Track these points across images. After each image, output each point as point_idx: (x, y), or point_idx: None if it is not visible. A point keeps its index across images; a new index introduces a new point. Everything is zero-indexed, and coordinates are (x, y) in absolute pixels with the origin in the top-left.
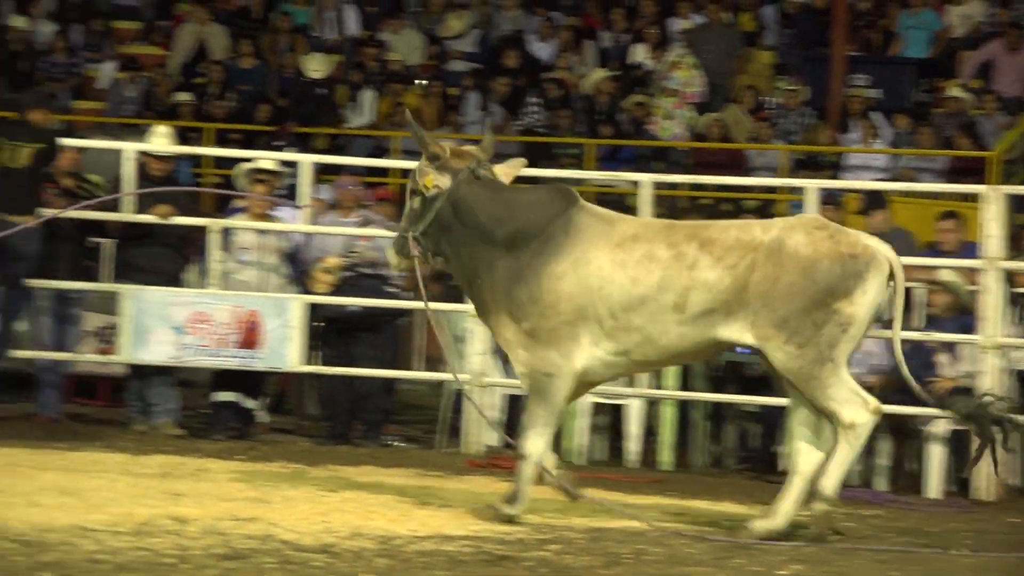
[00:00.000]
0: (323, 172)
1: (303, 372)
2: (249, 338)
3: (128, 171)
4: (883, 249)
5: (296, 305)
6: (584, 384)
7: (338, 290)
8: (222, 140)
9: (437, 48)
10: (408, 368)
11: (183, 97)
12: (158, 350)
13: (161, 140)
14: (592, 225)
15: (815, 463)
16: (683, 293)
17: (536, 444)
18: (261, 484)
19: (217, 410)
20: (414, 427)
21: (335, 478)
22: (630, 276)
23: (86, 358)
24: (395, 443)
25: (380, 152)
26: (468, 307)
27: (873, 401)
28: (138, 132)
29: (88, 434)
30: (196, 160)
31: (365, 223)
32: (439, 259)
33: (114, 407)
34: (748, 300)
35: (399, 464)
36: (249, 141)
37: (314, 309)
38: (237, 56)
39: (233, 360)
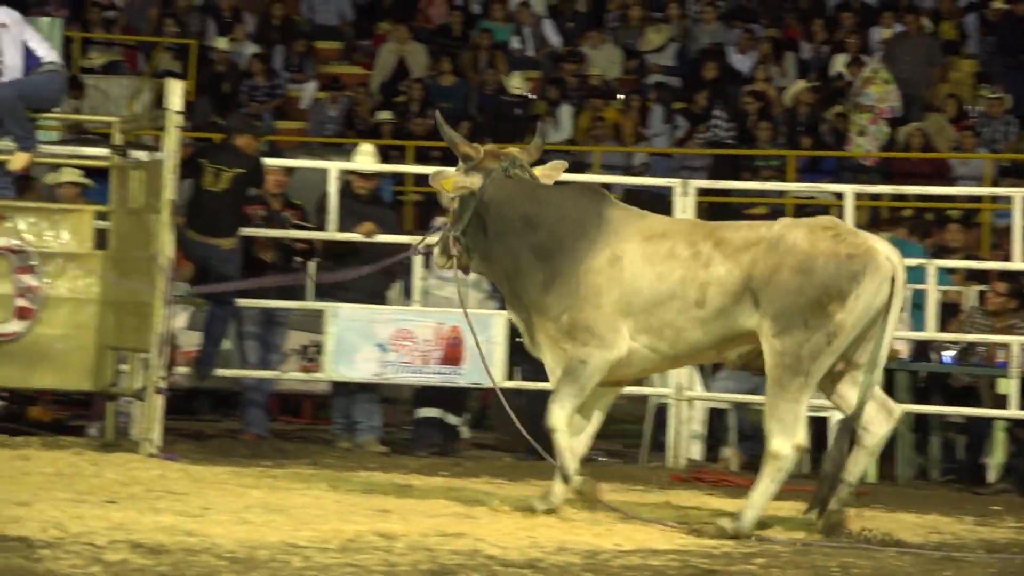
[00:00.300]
0: None
1: (505, 388)
2: (451, 354)
3: (333, 190)
4: (886, 252)
5: (498, 321)
6: (616, 381)
7: None
8: (423, 158)
9: (636, 62)
10: None
11: (384, 116)
12: (362, 367)
13: (366, 158)
14: (624, 220)
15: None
16: (701, 289)
17: (559, 414)
18: (466, 500)
19: (420, 427)
20: (617, 441)
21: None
22: (657, 272)
23: (291, 376)
24: (598, 458)
25: (580, 167)
26: None
27: (801, 436)
28: (341, 151)
29: (293, 452)
30: (398, 178)
31: None
32: (476, 259)
33: (318, 425)
34: (753, 290)
35: (602, 479)
36: (450, 158)
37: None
38: (437, 74)
39: (436, 377)
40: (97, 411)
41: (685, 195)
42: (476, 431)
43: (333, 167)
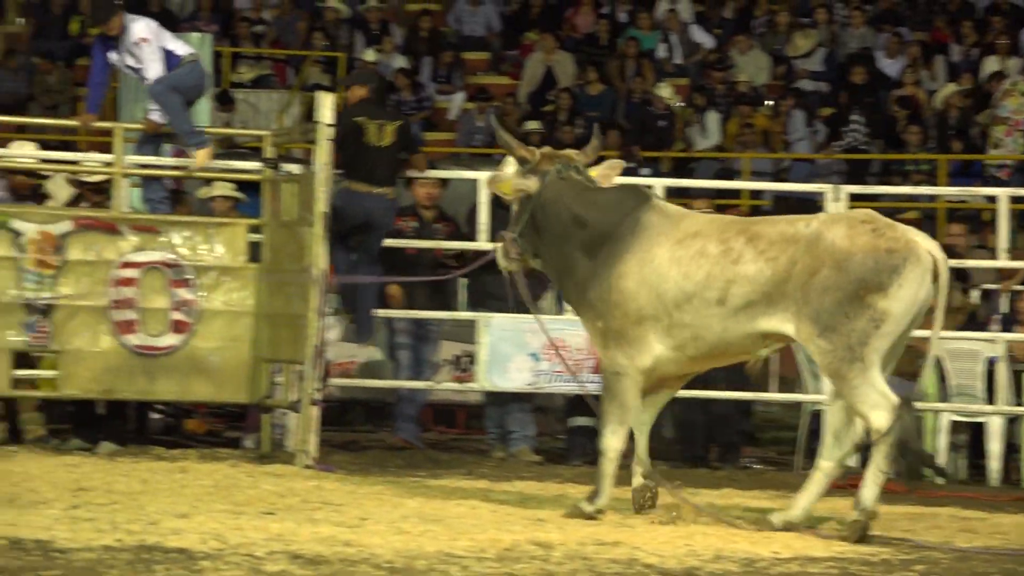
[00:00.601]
0: (672, 195)
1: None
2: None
3: (483, 200)
4: (928, 245)
5: None
6: (660, 383)
7: None
8: None
9: (784, 68)
10: (764, 390)
11: (532, 126)
12: (515, 377)
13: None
14: (657, 223)
15: (837, 459)
16: (725, 287)
17: (612, 442)
18: (622, 508)
19: (574, 435)
20: (771, 448)
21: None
22: (682, 272)
23: (444, 387)
24: (752, 465)
25: (728, 174)
26: None
27: (892, 399)
28: (490, 161)
29: (448, 462)
30: None
31: None
32: (537, 261)
33: (472, 435)
34: (788, 292)
35: (757, 486)
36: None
37: None
38: (584, 83)
39: (589, 385)
40: (253, 423)
41: (837, 200)
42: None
43: (482, 177)
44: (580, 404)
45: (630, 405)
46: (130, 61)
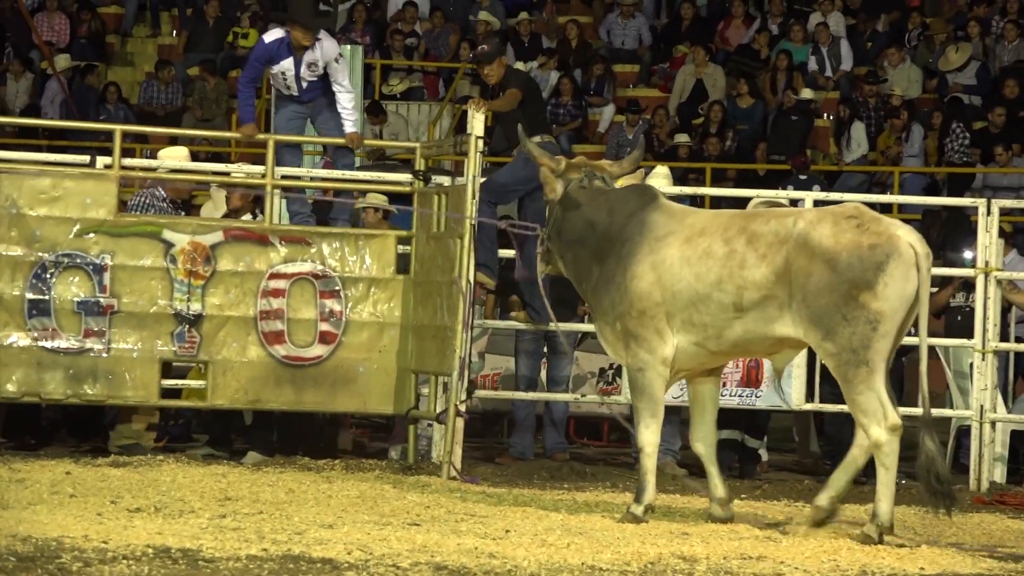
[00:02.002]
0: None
1: (805, 410)
2: (751, 377)
3: None
4: (910, 239)
5: None
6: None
7: None
8: (720, 179)
9: (936, 81)
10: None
11: (681, 138)
12: None
13: (661, 180)
14: (663, 223)
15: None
16: (738, 292)
17: (647, 437)
18: (767, 522)
19: (719, 449)
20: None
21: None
22: (694, 273)
23: (589, 399)
24: (900, 480)
25: (878, 187)
26: (972, 342)
27: (892, 416)
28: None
29: (593, 474)
30: (695, 200)
31: None
32: (561, 263)
33: (618, 447)
34: (792, 294)
35: (905, 501)
36: (746, 179)
37: None
38: (735, 95)
39: (734, 399)
40: (399, 434)
41: (988, 215)
42: (776, 453)
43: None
44: (725, 417)
45: (659, 398)
46: (316, 69)
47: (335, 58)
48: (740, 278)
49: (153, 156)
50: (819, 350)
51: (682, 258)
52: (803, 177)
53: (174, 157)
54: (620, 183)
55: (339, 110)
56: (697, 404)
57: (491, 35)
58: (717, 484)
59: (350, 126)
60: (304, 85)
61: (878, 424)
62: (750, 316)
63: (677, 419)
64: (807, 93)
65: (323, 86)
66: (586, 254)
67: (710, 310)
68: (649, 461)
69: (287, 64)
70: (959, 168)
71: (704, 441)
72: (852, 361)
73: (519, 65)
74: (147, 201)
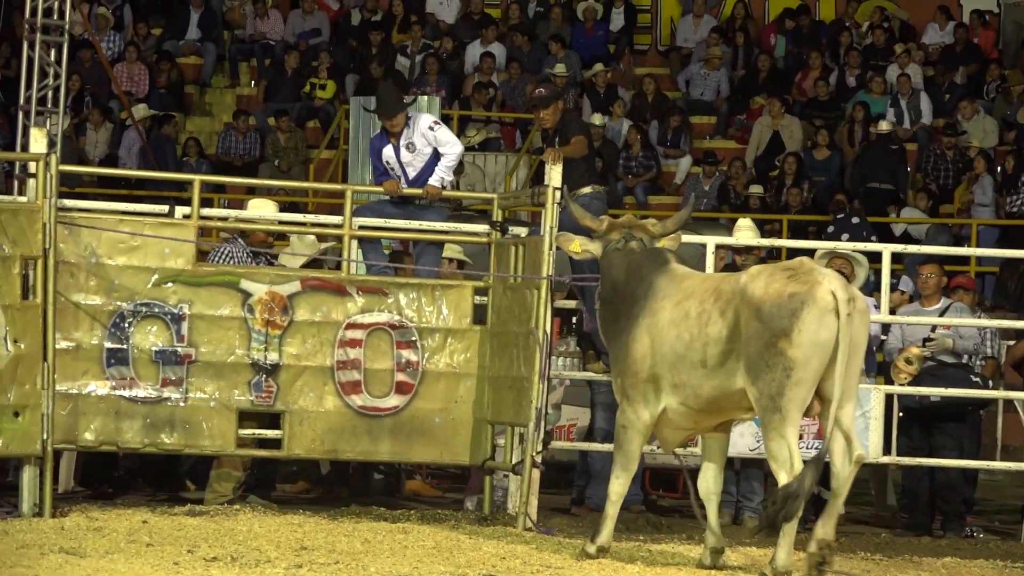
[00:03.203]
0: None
1: (883, 463)
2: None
3: (711, 264)
4: (831, 286)
5: (876, 395)
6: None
7: (919, 379)
8: (797, 231)
9: (1014, 133)
10: (989, 458)
11: (755, 190)
12: (738, 442)
13: (747, 233)
14: (664, 287)
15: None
16: (703, 349)
17: (615, 487)
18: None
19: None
20: (995, 518)
21: (915, 570)
22: (675, 334)
23: (663, 451)
24: (978, 534)
25: (957, 240)
26: None
27: (799, 465)
28: (716, 225)
29: (669, 526)
30: (773, 252)
31: (944, 311)
32: None
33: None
34: (740, 347)
35: (981, 556)
36: (823, 232)
37: (892, 399)
38: (811, 147)
39: (810, 452)
40: (475, 485)
41: None
42: (850, 506)
43: (711, 241)
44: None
45: (634, 455)
46: (414, 148)
47: (430, 126)
48: (705, 334)
49: (231, 206)
50: (749, 392)
51: (669, 321)
52: (840, 216)
53: (261, 208)
54: (663, 243)
55: (437, 165)
56: (706, 453)
57: (547, 80)
58: (713, 533)
59: (434, 179)
60: (409, 172)
61: (786, 473)
62: (716, 373)
63: (760, 472)
64: (884, 126)
65: (430, 172)
66: (610, 313)
67: (685, 368)
68: (612, 508)
69: (389, 151)
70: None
71: (710, 488)
72: (769, 407)
73: (595, 118)
74: (230, 251)
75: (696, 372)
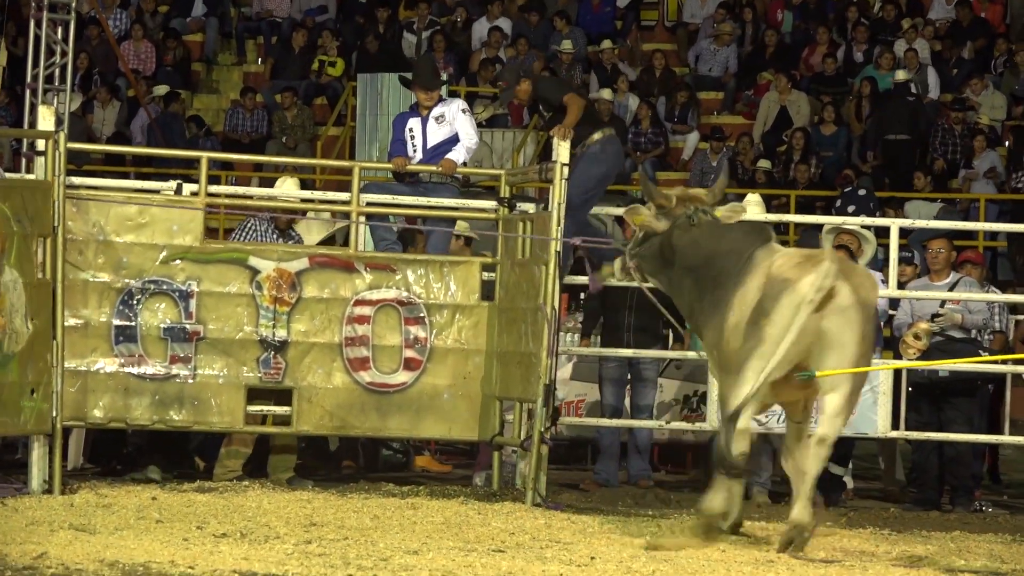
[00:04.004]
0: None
1: (892, 438)
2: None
3: None
4: (814, 279)
5: (884, 371)
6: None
7: (928, 354)
8: (805, 206)
9: (1022, 108)
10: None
11: (763, 164)
12: None
13: (754, 208)
14: (761, 263)
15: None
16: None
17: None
18: (852, 551)
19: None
20: (1004, 492)
21: (924, 545)
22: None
23: (675, 426)
24: (987, 508)
25: (960, 214)
26: None
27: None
28: (724, 203)
29: (677, 501)
30: (780, 227)
31: (954, 286)
32: (655, 280)
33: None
34: None
35: (990, 530)
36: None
37: (901, 373)
38: (819, 122)
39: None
40: (483, 461)
41: None
42: (861, 480)
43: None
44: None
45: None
46: (443, 120)
47: (463, 109)
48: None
49: (239, 183)
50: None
51: (754, 296)
52: (847, 189)
53: (287, 185)
54: (719, 213)
55: (457, 145)
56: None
57: (503, 71)
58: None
59: (452, 154)
60: (428, 143)
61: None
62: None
63: (769, 447)
64: (901, 76)
65: (444, 153)
66: (697, 286)
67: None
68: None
69: (414, 122)
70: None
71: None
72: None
73: (604, 93)
74: (253, 226)
75: None
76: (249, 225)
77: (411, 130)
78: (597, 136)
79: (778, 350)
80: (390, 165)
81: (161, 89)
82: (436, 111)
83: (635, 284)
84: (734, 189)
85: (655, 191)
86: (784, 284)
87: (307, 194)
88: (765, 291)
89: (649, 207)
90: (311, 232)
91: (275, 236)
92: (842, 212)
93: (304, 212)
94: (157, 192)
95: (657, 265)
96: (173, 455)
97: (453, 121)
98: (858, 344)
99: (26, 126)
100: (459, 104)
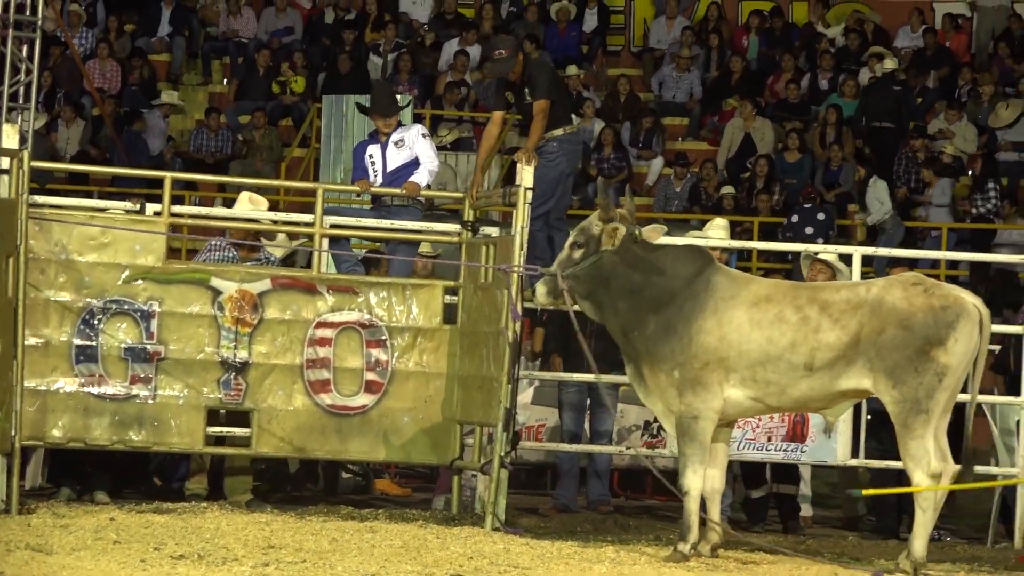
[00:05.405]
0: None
1: (851, 466)
2: (796, 431)
3: None
4: (973, 300)
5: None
6: (726, 421)
7: None
8: (768, 233)
9: (985, 138)
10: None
11: (727, 190)
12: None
13: (719, 232)
14: (728, 285)
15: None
16: (811, 353)
17: (693, 480)
18: None
19: (763, 503)
20: (962, 522)
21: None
22: (765, 336)
23: (635, 452)
24: (944, 537)
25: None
26: (1020, 400)
27: (935, 465)
28: (686, 227)
29: (637, 527)
30: (744, 253)
31: None
32: (586, 304)
33: (661, 500)
34: (861, 351)
35: (947, 559)
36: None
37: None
38: (783, 149)
39: (779, 453)
40: (443, 484)
41: None
42: (820, 508)
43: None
44: (759, 471)
45: (708, 445)
46: (403, 145)
47: (423, 134)
48: (815, 340)
49: (202, 204)
50: (886, 396)
51: (751, 320)
52: (808, 205)
53: (250, 203)
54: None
55: (419, 168)
56: (712, 454)
57: (500, 40)
58: (715, 529)
59: (415, 177)
60: (388, 168)
61: (921, 470)
62: (818, 375)
63: (729, 475)
64: (889, 64)
65: (405, 177)
66: (639, 305)
67: (778, 369)
68: (693, 504)
69: (374, 148)
70: (980, 224)
71: (715, 487)
72: (915, 408)
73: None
74: (216, 245)
75: (794, 373)
76: (212, 244)
77: (371, 156)
78: (557, 133)
79: (974, 381)
80: (355, 187)
81: (170, 96)
82: (395, 136)
83: (564, 308)
84: (697, 215)
85: (608, 205)
86: (938, 313)
87: (269, 215)
88: (908, 325)
89: (597, 223)
90: (277, 253)
91: (234, 255)
92: (798, 230)
93: (263, 233)
94: (123, 212)
95: (591, 286)
96: (130, 476)
97: (413, 145)
98: None
99: None
100: (419, 129)
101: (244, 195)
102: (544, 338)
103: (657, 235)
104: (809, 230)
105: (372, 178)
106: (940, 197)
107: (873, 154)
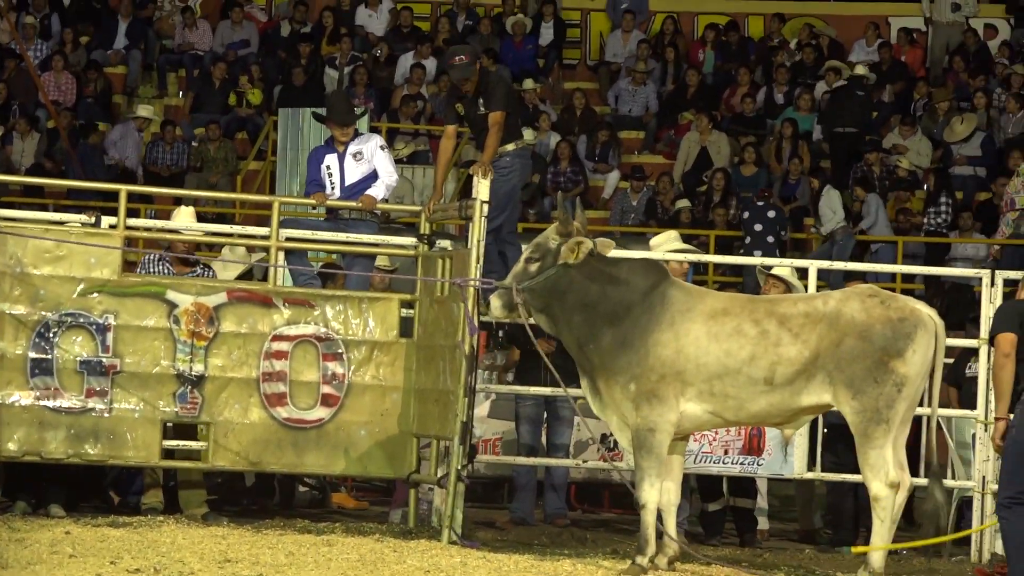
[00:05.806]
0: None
1: (808, 479)
2: (752, 445)
3: None
4: (928, 311)
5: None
6: (682, 434)
7: None
8: (724, 247)
9: (940, 151)
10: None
11: (682, 204)
12: None
13: (673, 244)
14: (684, 299)
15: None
16: (771, 368)
17: (651, 494)
18: None
19: (719, 516)
20: (921, 535)
21: None
22: (723, 348)
23: (592, 465)
24: (901, 551)
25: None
26: (975, 413)
27: (893, 474)
28: (642, 240)
29: (594, 540)
30: (700, 267)
31: None
32: (541, 317)
33: (618, 513)
34: (820, 364)
35: (904, 572)
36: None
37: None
38: (739, 163)
39: (736, 467)
40: (399, 498)
41: (992, 286)
42: (775, 521)
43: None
44: (715, 484)
45: (664, 457)
46: (361, 158)
47: (380, 145)
48: (775, 354)
49: (158, 217)
50: (846, 406)
51: (708, 333)
52: (760, 203)
53: (184, 218)
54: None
55: (376, 182)
56: (667, 466)
57: (460, 48)
58: (670, 543)
59: (373, 190)
60: (346, 181)
61: (880, 480)
62: (777, 389)
63: (686, 488)
64: (860, 70)
65: (363, 190)
66: (594, 319)
67: (736, 382)
68: (650, 516)
69: (332, 159)
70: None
71: (671, 500)
72: (875, 419)
73: (526, 133)
74: (152, 259)
75: (754, 388)
76: (147, 260)
77: (328, 167)
78: (510, 147)
79: (934, 392)
80: (311, 201)
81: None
82: (353, 147)
83: (520, 321)
84: (653, 229)
85: (568, 219)
86: (896, 324)
87: (224, 228)
88: (867, 336)
89: (554, 237)
90: (227, 269)
91: (168, 270)
92: (748, 227)
93: (221, 246)
94: (78, 224)
95: (547, 300)
96: (86, 490)
97: (372, 158)
98: None
99: None
100: (377, 140)
101: (184, 209)
102: (521, 355)
103: (608, 249)
104: (759, 227)
105: (329, 190)
106: (868, 211)
107: (835, 161)
